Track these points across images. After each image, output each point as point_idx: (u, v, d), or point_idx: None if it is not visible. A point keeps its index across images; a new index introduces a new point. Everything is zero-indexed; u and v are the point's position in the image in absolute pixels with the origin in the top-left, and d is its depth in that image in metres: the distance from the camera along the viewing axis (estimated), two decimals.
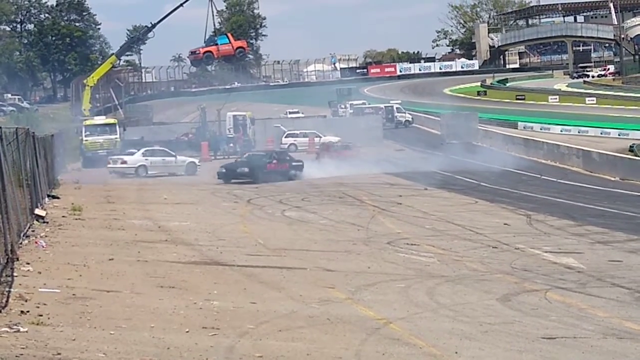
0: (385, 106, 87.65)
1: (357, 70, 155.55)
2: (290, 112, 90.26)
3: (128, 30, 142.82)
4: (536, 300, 17.31)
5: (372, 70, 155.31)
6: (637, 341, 14.14)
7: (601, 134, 76.20)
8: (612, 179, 47.69)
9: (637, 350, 13.50)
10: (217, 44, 74.86)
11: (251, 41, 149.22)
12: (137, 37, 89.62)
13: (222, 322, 13.71)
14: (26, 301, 13.82)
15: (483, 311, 15.99)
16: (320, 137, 65.72)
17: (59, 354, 11.00)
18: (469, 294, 17.73)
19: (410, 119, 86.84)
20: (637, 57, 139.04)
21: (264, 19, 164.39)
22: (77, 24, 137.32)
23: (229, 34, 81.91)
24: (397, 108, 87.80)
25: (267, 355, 11.74)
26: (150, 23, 76.96)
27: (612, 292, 18.54)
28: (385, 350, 12.47)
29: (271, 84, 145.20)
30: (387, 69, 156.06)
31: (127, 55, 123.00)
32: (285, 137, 66.51)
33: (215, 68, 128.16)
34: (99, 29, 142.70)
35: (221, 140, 62.58)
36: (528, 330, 14.56)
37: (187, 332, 12.86)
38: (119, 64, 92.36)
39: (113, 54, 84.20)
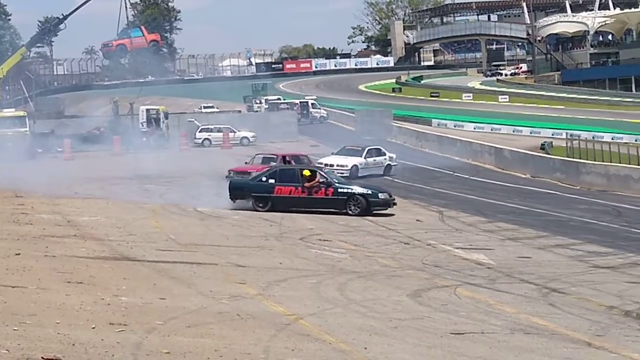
0: (300, 102, 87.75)
1: (273, 66, 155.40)
2: (204, 107, 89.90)
3: (39, 21, 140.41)
4: (446, 296, 17.42)
5: (288, 66, 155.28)
6: (544, 336, 14.30)
7: (513, 131, 77.22)
8: (523, 176, 48.37)
9: (543, 346, 13.65)
10: (130, 37, 74.23)
11: (165, 34, 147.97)
12: (48, 29, 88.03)
13: (130, 318, 13.52)
14: None
15: (393, 307, 16.04)
16: (235, 132, 65.52)
17: None
18: (379, 289, 17.77)
19: (325, 115, 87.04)
20: (548, 56, 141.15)
21: (179, 12, 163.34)
22: None
23: (142, 27, 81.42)
24: (312, 104, 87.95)
25: (175, 352, 11.60)
26: (62, 14, 75.81)
27: (520, 288, 18.76)
28: (295, 346, 12.41)
29: (186, 78, 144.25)
30: (302, 65, 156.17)
31: (38, 47, 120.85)
32: (199, 131, 66.13)
33: (129, 61, 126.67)
34: (9, 19, 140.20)
35: (134, 134, 61.91)
36: (437, 325, 14.64)
37: (94, 328, 12.65)
38: (29, 55, 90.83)
39: (23, 45, 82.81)
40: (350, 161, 44.99)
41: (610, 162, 48.03)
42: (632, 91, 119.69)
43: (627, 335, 14.92)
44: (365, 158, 46.02)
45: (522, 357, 12.89)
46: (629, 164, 46.28)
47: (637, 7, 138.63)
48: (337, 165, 43.19)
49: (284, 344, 12.51)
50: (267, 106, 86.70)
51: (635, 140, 68.35)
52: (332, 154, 47.49)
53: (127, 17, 78.40)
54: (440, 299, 17.07)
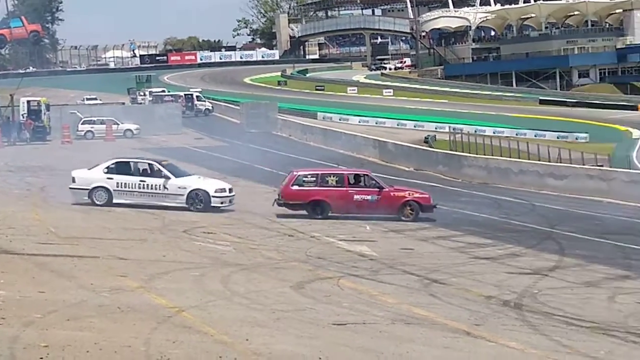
0: (185, 94, 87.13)
1: (157, 58, 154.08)
2: (87, 99, 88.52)
3: None
4: (329, 287, 17.53)
5: (173, 58, 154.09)
6: (424, 326, 14.51)
7: (398, 125, 78.07)
8: (407, 169, 48.85)
9: (423, 335, 13.85)
10: (10, 27, 72.60)
11: (47, 25, 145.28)
12: None
13: (7, 311, 13.26)
14: None
15: (276, 299, 16.06)
16: (118, 124, 64.73)
17: None
18: (263, 282, 17.79)
19: (210, 108, 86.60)
20: (432, 50, 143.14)
21: (61, 2, 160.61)
22: None
23: (23, 17, 79.60)
24: (197, 96, 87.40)
25: (53, 345, 11.42)
26: None
27: (402, 279, 18.99)
28: (176, 339, 12.33)
29: (68, 69, 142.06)
30: (187, 57, 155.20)
31: None
32: (82, 123, 65.02)
33: (9, 52, 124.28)
34: None
35: (15, 126, 60.58)
36: (320, 316, 14.72)
37: None
38: None
39: None
40: None
41: (492, 155, 48.96)
42: (512, 86, 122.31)
43: (504, 324, 15.24)
44: None
45: (403, 347, 13.03)
46: (509, 157, 47.30)
47: (517, 4, 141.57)
48: None
49: (165, 337, 12.43)
50: (151, 98, 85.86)
51: (516, 134, 69.99)
52: None
53: (7, 7, 76.88)
54: (323, 290, 17.17)
